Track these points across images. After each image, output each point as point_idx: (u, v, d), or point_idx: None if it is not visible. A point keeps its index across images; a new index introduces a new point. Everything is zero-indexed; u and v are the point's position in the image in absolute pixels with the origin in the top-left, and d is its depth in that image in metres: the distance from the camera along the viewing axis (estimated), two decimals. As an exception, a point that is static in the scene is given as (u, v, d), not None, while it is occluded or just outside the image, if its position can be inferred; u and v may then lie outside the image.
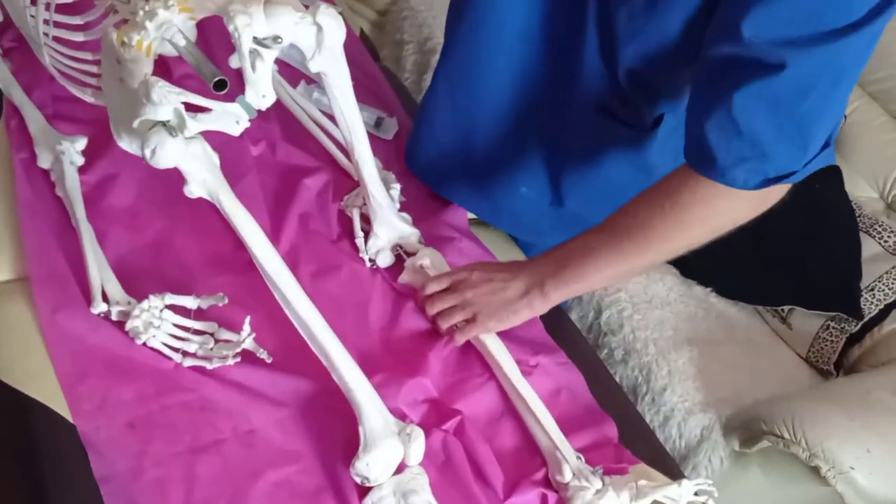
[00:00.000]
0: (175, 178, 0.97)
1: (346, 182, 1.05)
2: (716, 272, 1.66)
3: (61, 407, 0.73)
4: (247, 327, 0.80)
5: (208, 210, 0.95)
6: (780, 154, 0.74)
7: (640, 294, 1.55)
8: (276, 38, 0.71)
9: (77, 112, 0.98)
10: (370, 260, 0.97)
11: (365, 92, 1.19)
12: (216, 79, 0.69)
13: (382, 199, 0.95)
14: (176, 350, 0.80)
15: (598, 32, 0.86)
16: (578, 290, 0.90)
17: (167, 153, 0.71)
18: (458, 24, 0.95)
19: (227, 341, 0.83)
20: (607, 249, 0.85)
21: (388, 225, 0.96)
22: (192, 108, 0.73)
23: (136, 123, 0.71)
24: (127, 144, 0.76)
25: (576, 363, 0.94)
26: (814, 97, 0.71)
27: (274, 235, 0.93)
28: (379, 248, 0.97)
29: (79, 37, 0.94)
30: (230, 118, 0.74)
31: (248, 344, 0.80)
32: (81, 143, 0.90)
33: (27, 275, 0.82)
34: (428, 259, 0.95)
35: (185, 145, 0.73)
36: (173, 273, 0.88)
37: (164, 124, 0.71)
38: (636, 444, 0.90)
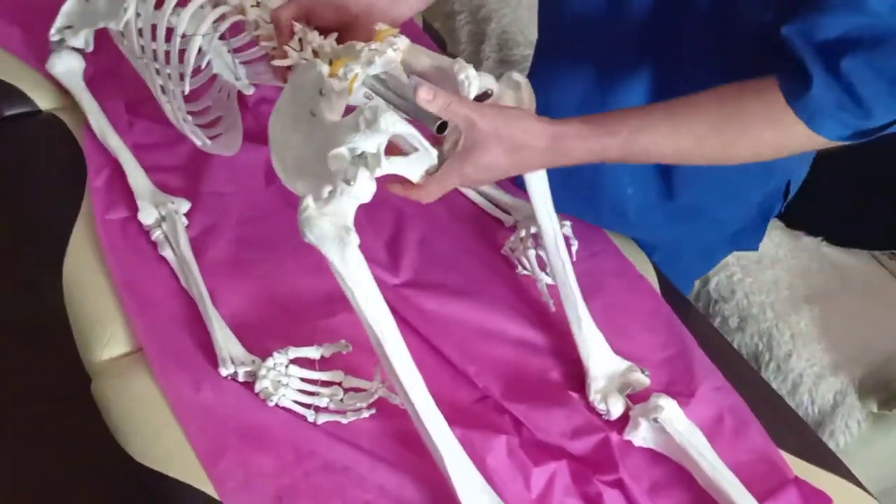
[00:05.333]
0: (271, 218, 0.94)
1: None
2: (824, 219, 1.55)
3: (205, 485, 0.71)
4: (378, 376, 0.76)
5: (310, 246, 0.91)
6: (881, 112, 0.69)
7: (748, 255, 1.46)
8: (487, 93, 0.73)
9: (162, 160, 0.94)
10: (601, 410, 0.83)
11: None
12: (439, 122, 0.68)
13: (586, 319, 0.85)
14: (308, 406, 0.77)
15: None
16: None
17: (368, 186, 0.66)
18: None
19: (356, 390, 0.79)
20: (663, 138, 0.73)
21: (602, 359, 0.85)
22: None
23: (332, 153, 0.66)
24: (301, 183, 0.71)
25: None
26: None
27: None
28: (603, 392, 0.83)
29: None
30: (421, 165, 0.70)
31: (381, 392, 0.77)
32: (186, 205, 0.86)
33: (142, 346, 0.79)
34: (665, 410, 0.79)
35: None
36: (287, 321, 0.84)
37: (361, 157, 0.66)
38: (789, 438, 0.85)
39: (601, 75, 0.92)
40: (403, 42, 0.73)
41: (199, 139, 0.92)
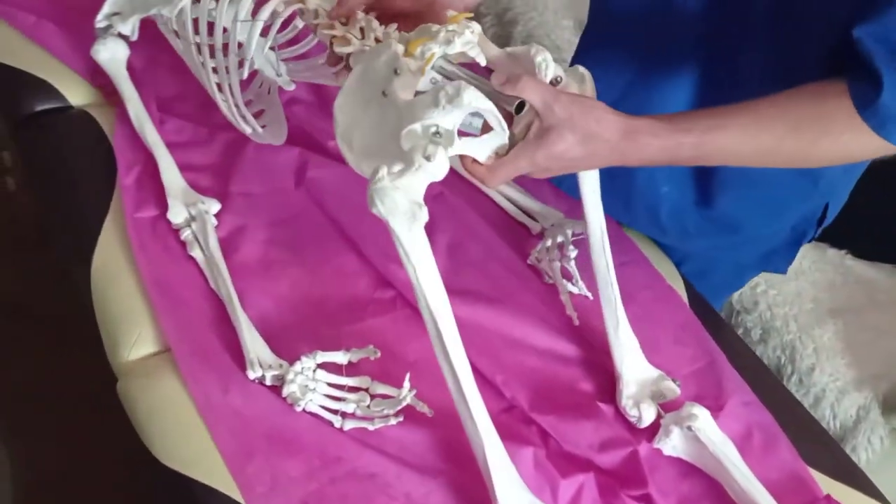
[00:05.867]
0: (301, 220, 0.93)
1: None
2: (849, 231, 1.53)
3: (232, 489, 0.70)
4: (407, 384, 0.76)
5: (339, 249, 0.91)
6: None
7: (772, 266, 1.45)
8: (556, 79, 0.73)
9: (192, 158, 0.94)
10: (631, 416, 0.82)
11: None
12: (518, 101, 0.68)
13: (623, 322, 0.84)
14: (335, 412, 0.77)
15: None
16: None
17: (444, 164, 0.65)
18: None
19: (383, 396, 0.78)
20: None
21: (635, 365, 0.84)
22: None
23: (407, 129, 0.66)
24: (368, 163, 0.70)
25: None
26: None
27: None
28: (635, 398, 0.83)
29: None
30: (490, 146, 0.69)
31: (409, 399, 0.76)
32: (216, 205, 0.86)
33: (170, 346, 0.79)
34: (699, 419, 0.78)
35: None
36: (316, 324, 0.84)
37: (435, 135, 0.66)
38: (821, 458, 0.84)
39: (646, 69, 0.90)
40: (478, 27, 0.73)
41: (250, 128, 0.92)
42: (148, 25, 0.98)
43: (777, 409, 0.88)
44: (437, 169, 0.65)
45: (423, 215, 0.66)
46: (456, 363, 0.69)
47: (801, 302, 1.41)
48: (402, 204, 0.65)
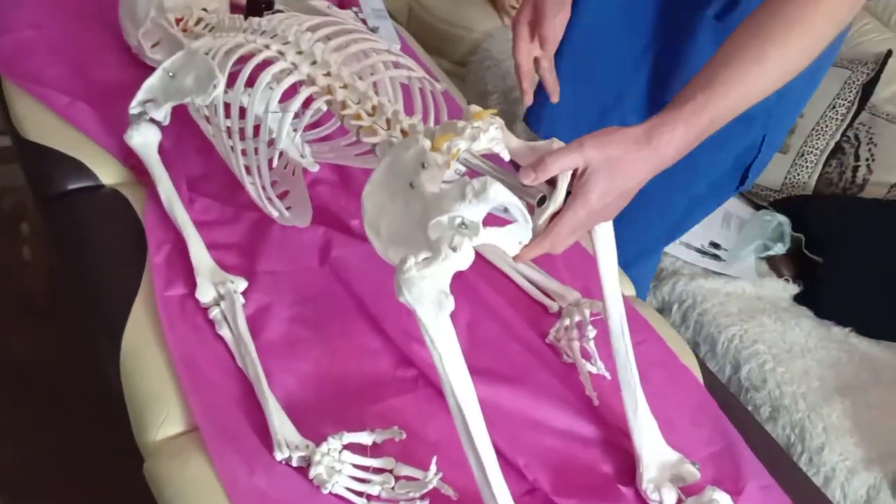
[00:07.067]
0: (324, 298, 0.95)
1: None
2: (853, 310, 1.57)
3: (258, 573, 0.70)
4: (433, 467, 0.76)
5: (362, 328, 0.93)
6: None
7: (779, 343, 1.47)
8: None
9: (218, 237, 0.96)
10: (652, 501, 0.83)
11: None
12: (540, 195, 0.73)
13: (642, 405, 0.85)
14: (360, 494, 0.77)
15: None
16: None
17: (469, 254, 0.68)
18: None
19: (407, 478, 0.79)
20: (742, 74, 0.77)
21: (655, 448, 0.84)
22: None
23: (434, 221, 0.68)
24: (394, 251, 0.73)
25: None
26: None
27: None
28: (656, 482, 0.83)
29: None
30: (516, 238, 0.73)
31: (435, 483, 0.77)
32: (243, 284, 0.88)
33: (198, 425, 0.80)
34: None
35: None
36: (340, 404, 0.85)
37: (461, 226, 0.69)
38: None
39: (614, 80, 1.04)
40: (500, 121, 0.77)
41: (276, 211, 0.95)
42: (175, 108, 1.01)
43: (792, 491, 0.89)
44: (462, 259, 0.68)
45: (450, 304, 0.68)
46: (481, 450, 0.70)
47: (808, 380, 1.42)
48: (428, 293, 0.67)
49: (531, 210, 0.74)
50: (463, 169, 0.79)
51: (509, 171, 0.76)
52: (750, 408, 1.42)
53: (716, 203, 1.25)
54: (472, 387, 0.70)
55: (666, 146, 0.75)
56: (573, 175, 0.74)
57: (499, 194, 0.68)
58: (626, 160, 0.74)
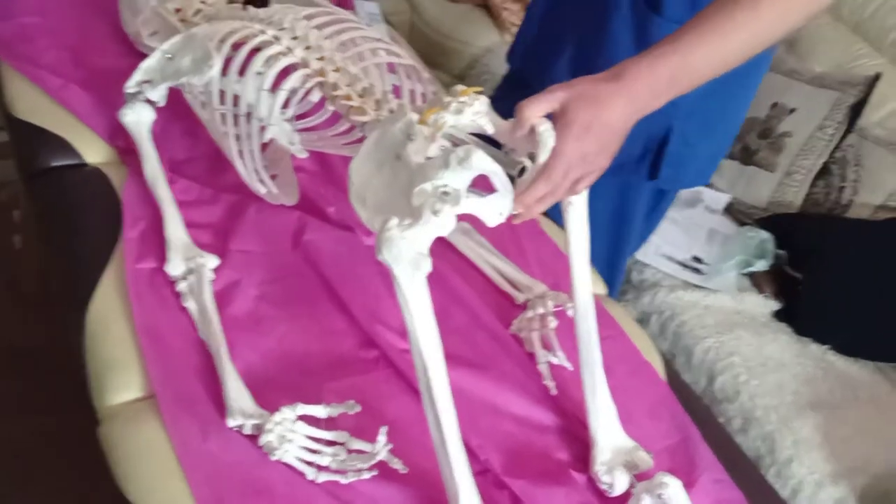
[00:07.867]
0: (294, 279, 0.97)
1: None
2: (832, 328, 1.57)
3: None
4: (382, 438, 0.78)
5: (328, 309, 0.95)
6: None
7: (754, 357, 1.48)
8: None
9: (196, 217, 0.99)
10: (603, 484, 0.83)
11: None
12: (521, 166, 0.76)
13: (602, 387, 0.86)
14: (310, 464, 0.78)
15: None
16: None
17: (450, 220, 0.70)
18: None
19: (359, 451, 0.80)
20: (713, 42, 0.78)
21: (611, 432, 0.85)
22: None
23: (418, 188, 0.70)
24: (380, 219, 0.74)
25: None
26: None
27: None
28: (609, 465, 0.84)
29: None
30: (497, 208, 0.74)
31: (383, 455, 0.78)
32: (215, 261, 0.90)
33: (155, 392, 0.81)
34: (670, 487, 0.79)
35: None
36: (299, 379, 0.86)
37: (444, 194, 0.71)
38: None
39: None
40: (486, 99, 0.80)
41: (265, 188, 0.98)
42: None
43: (749, 490, 0.89)
44: (443, 224, 0.70)
45: (427, 265, 0.70)
46: (441, 410, 0.72)
47: (782, 394, 1.43)
48: (407, 253, 0.70)
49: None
50: (449, 145, 0.81)
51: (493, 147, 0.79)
52: (722, 419, 1.42)
53: (633, 197, 1.22)
54: (440, 347, 0.71)
55: (634, 80, 0.76)
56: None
57: (482, 161, 0.70)
58: (598, 93, 0.76)
